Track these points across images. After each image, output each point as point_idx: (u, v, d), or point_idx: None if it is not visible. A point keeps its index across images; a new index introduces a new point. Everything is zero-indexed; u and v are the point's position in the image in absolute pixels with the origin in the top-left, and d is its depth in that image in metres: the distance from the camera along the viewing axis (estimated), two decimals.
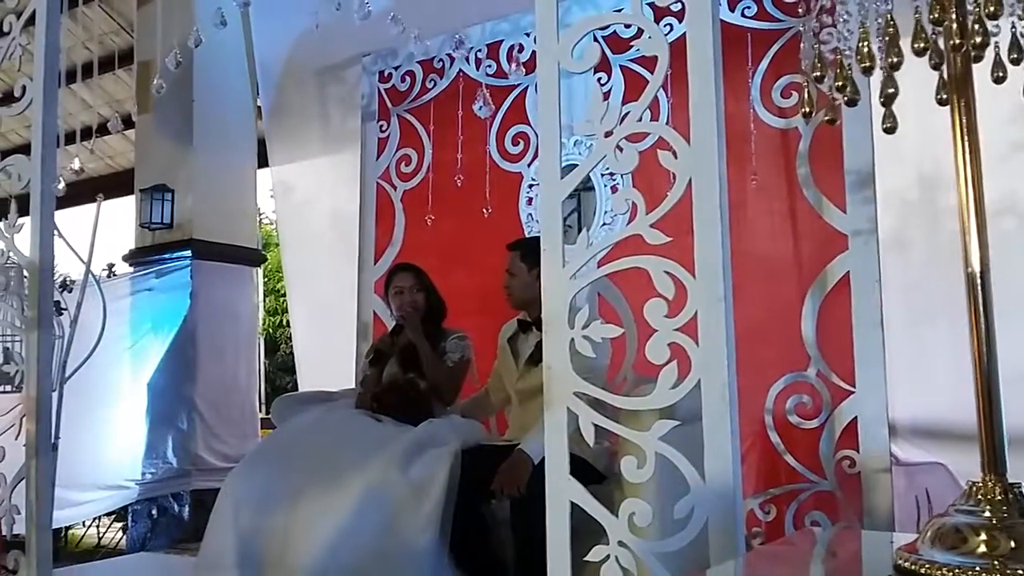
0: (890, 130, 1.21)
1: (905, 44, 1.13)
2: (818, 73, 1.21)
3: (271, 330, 9.25)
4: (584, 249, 1.89)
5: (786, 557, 1.56)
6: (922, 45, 1.12)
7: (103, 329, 4.06)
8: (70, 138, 3.86)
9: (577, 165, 1.95)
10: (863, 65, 1.09)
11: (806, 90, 1.25)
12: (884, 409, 3.06)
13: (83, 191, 4.75)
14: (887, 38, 1.12)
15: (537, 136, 3.83)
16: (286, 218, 5.44)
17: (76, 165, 2.91)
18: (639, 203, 1.80)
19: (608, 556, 1.75)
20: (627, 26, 3.62)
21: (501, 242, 3.35)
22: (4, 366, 2.86)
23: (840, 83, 1.15)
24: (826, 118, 1.21)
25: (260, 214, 6.64)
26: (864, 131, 3.12)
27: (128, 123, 5.39)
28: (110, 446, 5.22)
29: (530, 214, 3.98)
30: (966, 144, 1.14)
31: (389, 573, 2.54)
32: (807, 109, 1.26)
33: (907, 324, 3.24)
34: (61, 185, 2.74)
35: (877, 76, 1.18)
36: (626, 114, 1.87)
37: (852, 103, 1.17)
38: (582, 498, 1.81)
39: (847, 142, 3.21)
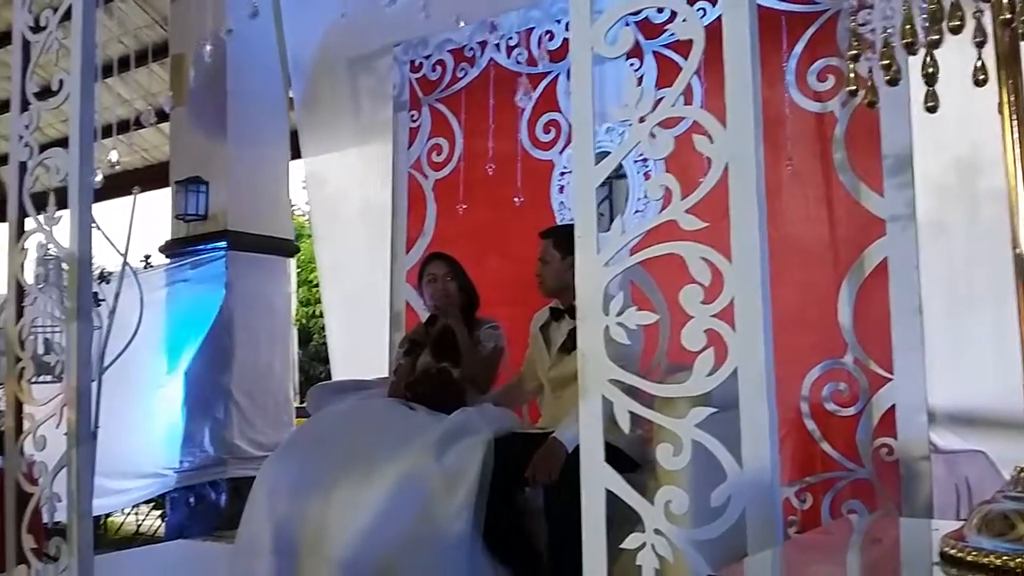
0: (932, 109, 1.18)
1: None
2: (855, 52, 1.18)
3: (304, 320, 9.32)
4: (619, 236, 1.87)
5: (825, 546, 1.55)
6: (957, 23, 1.10)
7: (140, 320, 4.13)
8: (106, 132, 3.90)
9: (609, 153, 1.93)
10: (905, 41, 1.06)
11: (850, 69, 1.22)
12: (923, 396, 3.02)
13: (119, 184, 4.81)
14: (929, 16, 1.09)
15: (569, 124, 3.88)
16: (318, 209, 5.48)
17: (113, 157, 2.94)
18: (674, 188, 1.78)
19: (644, 544, 1.74)
20: (659, 11, 3.60)
21: (533, 231, 3.34)
22: (44, 356, 2.90)
23: (885, 62, 1.13)
24: (865, 101, 1.18)
25: (292, 206, 6.69)
26: (902, 114, 3.07)
27: (162, 116, 5.44)
28: (148, 435, 5.30)
29: (562, 202, 3.97)
30: (1015, 123, 1.11)
31: (423, 561, 2.55)
32: (853, 87, 1.23)
33: (946, 310, 3.18)
34: (99, 177, 2.77)
35: (915, 58, 1.16)
36: (660, 99, 1.85)
37: (894, 82, 1.14)
38: (617, 485, 1.80)
39: (884, 125, 3.16)
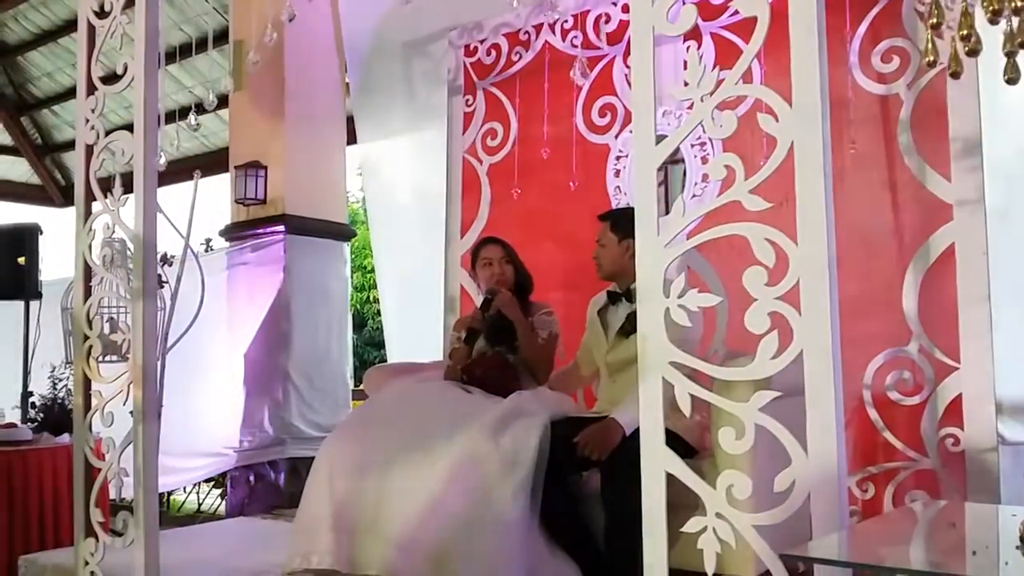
0: (1012, 81, 1.14)
1: None
2: (935, 20, 1.14)
3: (359, 306, 9.42)
4: (679, 217, 1.85)
5: (894, 530, 1.51)
6: None
7: (202, 302, 4.20)
8: (169, 117, 3.98)
9: (665, 136, 1.91)
10: (990, 9, 1.02)
11: (928, 40, 1.19)
12: (991, 386, 2.93)
13: (180, 169, 4.91)
14: None
15: (625, 108, 3.84)
16: (374, 194, 5.52)
17: (175, 141, 3.00)
18: (737, 168, 1.75)
19: (705, 528, 1.72)
20: None
21: (588, 215, 3.31)
22: (110, 336, 2.97)
23: (964, 32, 1.09)
24: (949, 71, 1.14)
25: (347, 192, 6.75)
26: (971, 96, 2.98)
27: (222, 102, 5.53)
28: (209, 415, 5.40)
29: (617, 186, 3.93)
30: None
31: (479, 542, 2.56)
32: (931, 59, 1.19)
33: (1014, 298, 3.09)
34: (163, 160, 2.83)
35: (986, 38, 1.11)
36: (722, 79, 1.82)
37: (974, 53, 1.10)
38: (678, 469, 1.78)
39: (952, 108, 3.06)
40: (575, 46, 4.07)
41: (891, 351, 3.13)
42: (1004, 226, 3.10)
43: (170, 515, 5.75)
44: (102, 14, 2.92)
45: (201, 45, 6.33)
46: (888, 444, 3.09)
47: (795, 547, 1.29)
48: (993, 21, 1.06)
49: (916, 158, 3.17)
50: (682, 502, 1.83)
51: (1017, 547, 1.05)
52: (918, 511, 1.98)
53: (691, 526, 1.74)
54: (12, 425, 4.43)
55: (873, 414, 3.12)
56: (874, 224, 3.23)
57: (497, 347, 3.28)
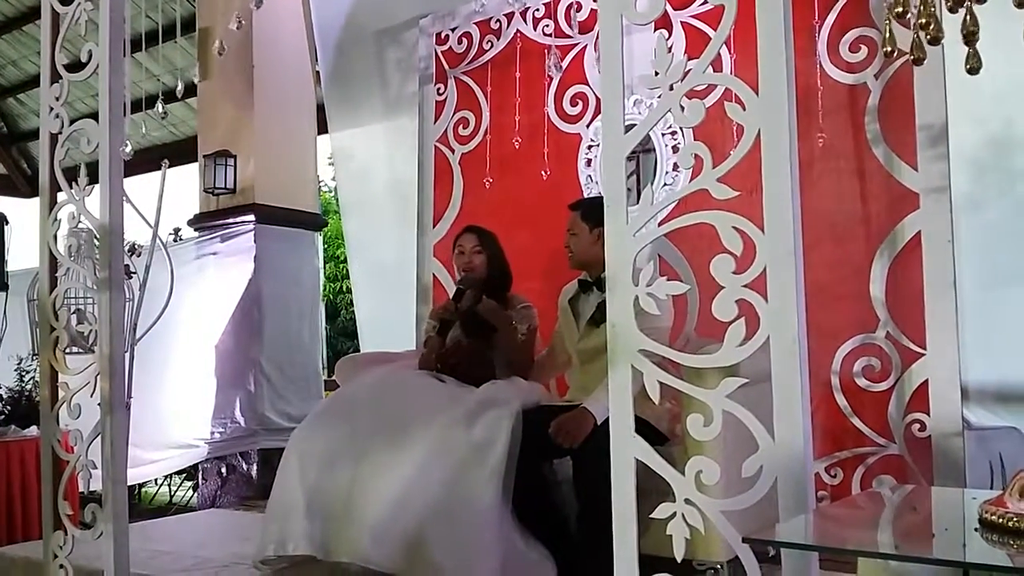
0: (974, 71, 1.15)
1: None
2: (900, 8, 1.15)
3: (331, 296, 9.38)
4: (648, 206, 1.86)
5: (858, 513, 1.53)
6: None
7: (171, 292, 4.16)
8: (136, 106, 3.93)
9: (636, 125, 1.91)
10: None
11: (888, 28, 1.20)
12: (956, 372, 2.97)
13: (148, 159, 4.85)
14: None
15: (596, 96, 3.85)
16: (345, 184, 5.49)
17: (142, 129, 2.97)
18: (705, 156, 1.76)
19: (674, 513, 1.74)
20: None
21: (560, 204, 3.32)
22: (78, 326, 2.94)
23: (924, 20, 1.10)
24: (911, 59, 1.15)
25: (319, 182, 6.70)
26: (937, 85, 3.01)
27: (190, 90, 5.46)
28: (180, 407, 5.36)
29: (589, 175, 3.94)
30: None
31: (452, 529, 2.57)
32: (888, 48, 1.20)
33: (980, 286, 3.14)
34: (128, 148, 2.79)
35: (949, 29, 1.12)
36: (690, 69, 1.83)
37: (935, 41, 1.11)
38: (647, 456, 1.79)
39: (919, 97, 3.10)
40: (547, 35, 4.06)
41: (859, 338, 3.16)
42: (971, 214, 3.15)
43: (142, 507, 5.71)
44: (66, 0, 2.87)
45: (169, 33, 6.24)
46: (856, 430, 3.13)
47: (762, 531, 1.30)
48: (953, 10, 1.07)
49: (883, 147, 3.20)
50: (654, 488, 1.85)
51: (976, 529, 1.07)
52: (884, 495, 2.00)
53: (660, 512, 1.75)
54: None
55: (841, 400, 3.16)
56: (842, 212, 3.26)
57: (472, 338, 3.28)
